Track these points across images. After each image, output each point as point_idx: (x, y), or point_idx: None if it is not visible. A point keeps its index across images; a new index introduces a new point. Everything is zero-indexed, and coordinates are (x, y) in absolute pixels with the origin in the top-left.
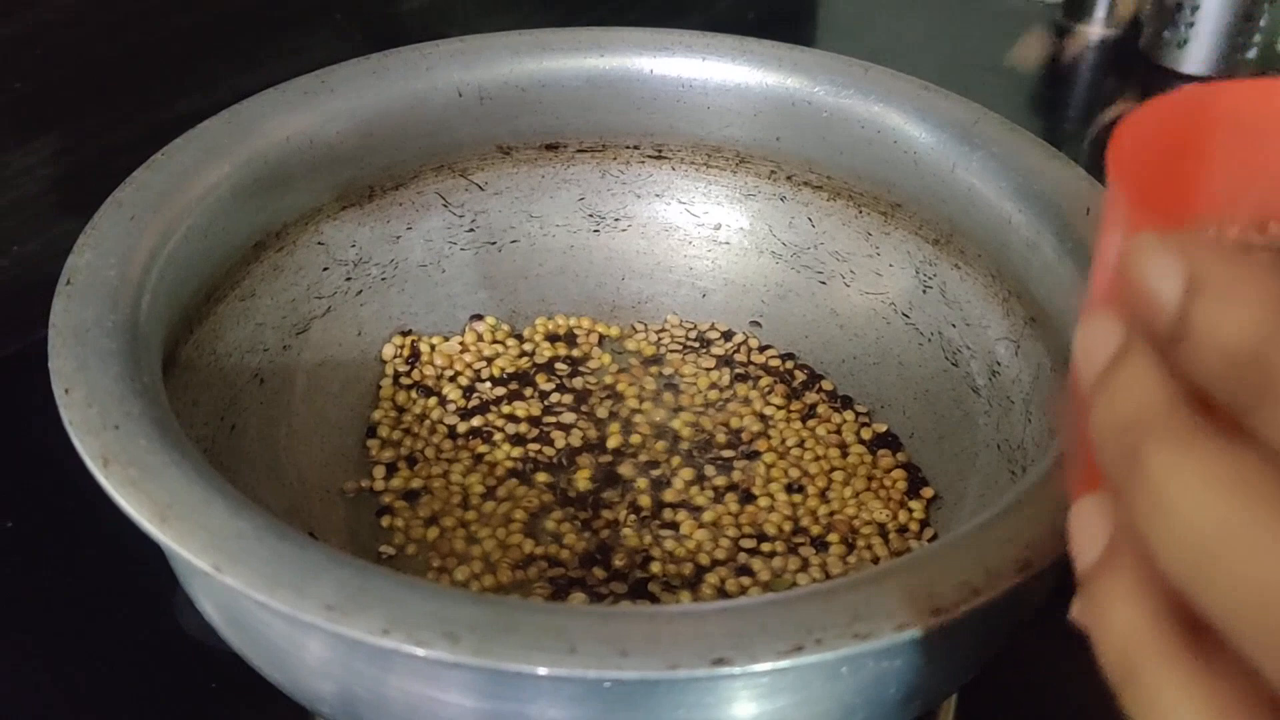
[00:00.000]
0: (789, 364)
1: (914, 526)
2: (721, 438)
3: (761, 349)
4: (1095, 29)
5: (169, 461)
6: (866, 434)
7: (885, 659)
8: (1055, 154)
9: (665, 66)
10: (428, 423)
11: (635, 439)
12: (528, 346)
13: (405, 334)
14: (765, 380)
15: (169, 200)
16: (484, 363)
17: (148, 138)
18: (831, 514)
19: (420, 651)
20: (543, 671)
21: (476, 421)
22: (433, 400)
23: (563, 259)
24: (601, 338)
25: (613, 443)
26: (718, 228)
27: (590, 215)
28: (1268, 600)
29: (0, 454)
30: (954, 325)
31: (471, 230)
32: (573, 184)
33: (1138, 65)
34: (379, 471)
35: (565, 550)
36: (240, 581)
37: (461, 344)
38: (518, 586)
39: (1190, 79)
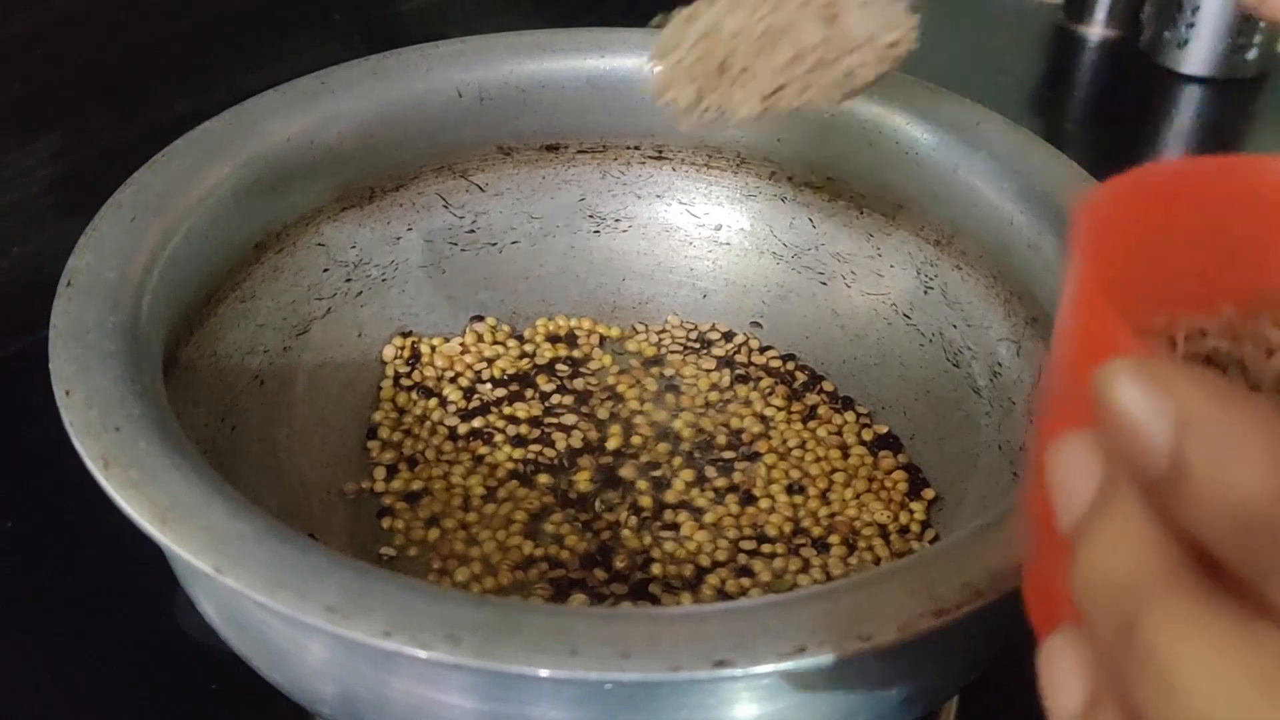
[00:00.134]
0: (790, 365)
1: (915, 528)
2: (722, 439)
3: (762, 350)
4: (1095, 29)
5: (170, 463)
6: (867, 435)
7: (887, 660)
8: (1057, 155)
9: None
10: (428, 424)
11: (636, 440)
12: (528, 347)
13: (406, 335)
14: (766, 381)
15: (169, 201)
16: (484, 364)
17: (148, 138)
18: (832, 515)
19: (422, 653)
20: (544, 673)
21: (477, 423)
22: (433, 401)
23: (563, 260)
24: (602, 339)
25: (613, 444)
26: (718, 228)
27: (591, 216)
28: None
29: (0, 454)
30: (955, 326)
31: (472, 231)
32: (573, 185)
33: (1138, 65)
34: (379, 473)
35: (566, 551)
36: (241, 583)
37: (462, 345)
38: (518, 588)
39: (1190, 79)
